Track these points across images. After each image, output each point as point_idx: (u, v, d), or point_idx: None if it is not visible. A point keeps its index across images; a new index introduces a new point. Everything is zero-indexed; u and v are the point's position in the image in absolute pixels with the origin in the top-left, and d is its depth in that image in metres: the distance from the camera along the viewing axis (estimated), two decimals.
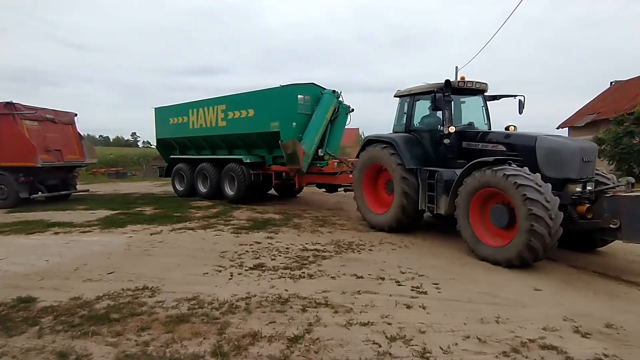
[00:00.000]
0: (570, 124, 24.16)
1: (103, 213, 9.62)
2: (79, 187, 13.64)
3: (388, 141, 6.93)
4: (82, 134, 13.23)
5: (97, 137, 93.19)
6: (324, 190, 10.43)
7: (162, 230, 7.31)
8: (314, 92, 10.25)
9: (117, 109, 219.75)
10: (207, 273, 4.71)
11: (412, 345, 2.90)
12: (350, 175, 8.27)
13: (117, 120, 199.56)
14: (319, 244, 6.20)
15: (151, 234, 6.98)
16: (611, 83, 24.98)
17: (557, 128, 24.54)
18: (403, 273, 4.68)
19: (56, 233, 7.20)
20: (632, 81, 22.75)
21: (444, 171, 6.15)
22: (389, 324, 3.26)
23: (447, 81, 6.15)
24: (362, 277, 4.53)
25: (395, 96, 7.60)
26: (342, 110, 10.54)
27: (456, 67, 21.65)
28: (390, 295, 3.92)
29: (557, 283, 4.36)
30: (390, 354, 2.77)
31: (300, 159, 9.21)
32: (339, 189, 9.97)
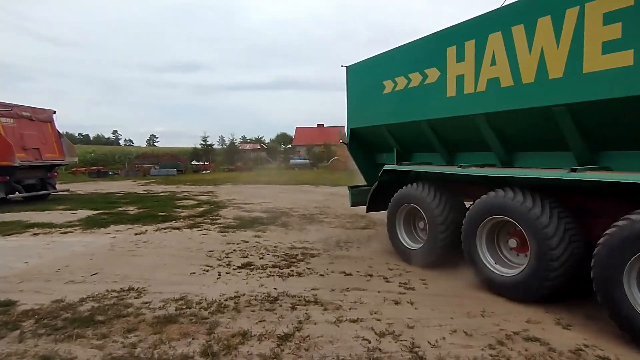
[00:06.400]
0: None
1: (84, 213, 9.38)
2: (58, 186, 13.26)
3: None
4: (60, 131, 12.87)
5: (77, 135, 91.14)
6: None
7: (146, 230, 7.18)
8: None
9: (96, 106, 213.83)
10: (194, 273, 4.65)
11: (401, 340, 2.94)
12: None
13: (97, 117, 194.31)
14: (307, 242, 6.20)
15: (135, 234, 6.85)
16: None
17: None
18: (391, 269, 4.73)
19: (35, 234, 6.99)
20: None
21: None
22: (378, 320, 3.29)
23: None
24: (350, 274, 4.56)
25: None
26: None
27: None
28: (379, 292, 3.96)
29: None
30: (379, 349, 2.80)
31: None
32: None
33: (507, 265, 3.91)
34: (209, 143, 44.02)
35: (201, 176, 27.04)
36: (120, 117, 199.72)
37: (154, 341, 2.92)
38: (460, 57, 4.22)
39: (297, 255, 5.39)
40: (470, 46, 4.11)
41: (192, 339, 2.96)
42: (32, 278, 4.51)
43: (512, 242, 3.83)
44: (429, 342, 2.89)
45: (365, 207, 6.01)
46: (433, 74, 4.58)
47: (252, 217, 8.46)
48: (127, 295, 3.91)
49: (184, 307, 3.57)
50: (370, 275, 4.50)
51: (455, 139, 4.78)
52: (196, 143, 44.41)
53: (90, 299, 3.81)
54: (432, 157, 5.25)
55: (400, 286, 4.14)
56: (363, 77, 5.99)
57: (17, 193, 11.15)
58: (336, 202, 10.95)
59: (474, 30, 4.08)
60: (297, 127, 55.39)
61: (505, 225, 3.95)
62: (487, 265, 3.98)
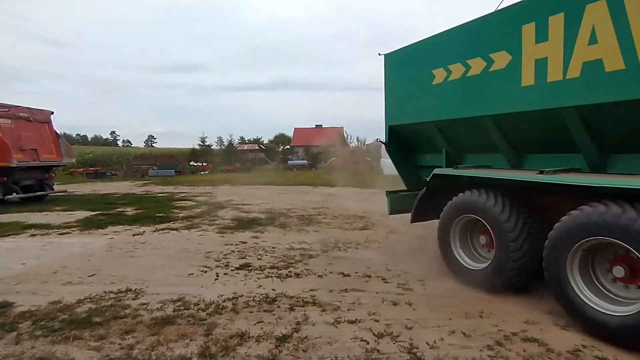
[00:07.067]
0: None
1: (82, 214, 9.35)
2: (56, 187, 13.22)
3: None
4: (58, 132, 12.84)
5: (75, 135, 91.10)
6: None
7: (144, 231, 7.16)
8: None
9: (94, 107, 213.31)
10: (192, 274, 4.64)
11: (400, 341, 2.93)
12: None
13: (95, 118, 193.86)
14: (305, 242, 6.20)
15: (133, 235, 6.84)
16: None
17: None
18: (389, 270, 4.73)
19: (33, 235, 6.96)
20: None
21: None
22: (376, 321, 3.29)
23: None
24: (348, 275, 4.56)
25: None
26: None
27: None
28: (377, 293, 3.96)
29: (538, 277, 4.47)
30: (378, 350, 2.80)
31: None
32: None
33: (609, 299, 3.02)
34: (207, 144, 43.95)
35: (199, 177, 26.99)
36: (118, 117, 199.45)
37: (151, 342, 2.91)
38: (541, 37, 3.34)
39: (295, 256, 5.38)
40: (557, 21, 3.22)
41: (190, 340, 2.96)
42: (30, 279, 4.49)
43: (619, 271, 2.94)
44: (427, 343, 2.89)
45: (405, 214, 5.18)
46: (501, 58, 3.72)
47: (250, 218, 8.45)
48: (125, 296, 3.90)
49: (182, 308, 3.56)
50: (369, 276, 4.50)
51: (528, 138, 3.87)
52: (194, 144, 44.29)
53: (88, 300, 3.79)
54: (491, 159, 4.34)
55: (398, 287, 4.14)
56: (406, 67, 5.08)
57: (14, 194, 11.08)
58: (334, 203, 10.96)
59: (563, 0, 3.21)
60: (295, 128, 55.37)
61: (602, 246, 3.04)
62: (585, 300, 3.05)
